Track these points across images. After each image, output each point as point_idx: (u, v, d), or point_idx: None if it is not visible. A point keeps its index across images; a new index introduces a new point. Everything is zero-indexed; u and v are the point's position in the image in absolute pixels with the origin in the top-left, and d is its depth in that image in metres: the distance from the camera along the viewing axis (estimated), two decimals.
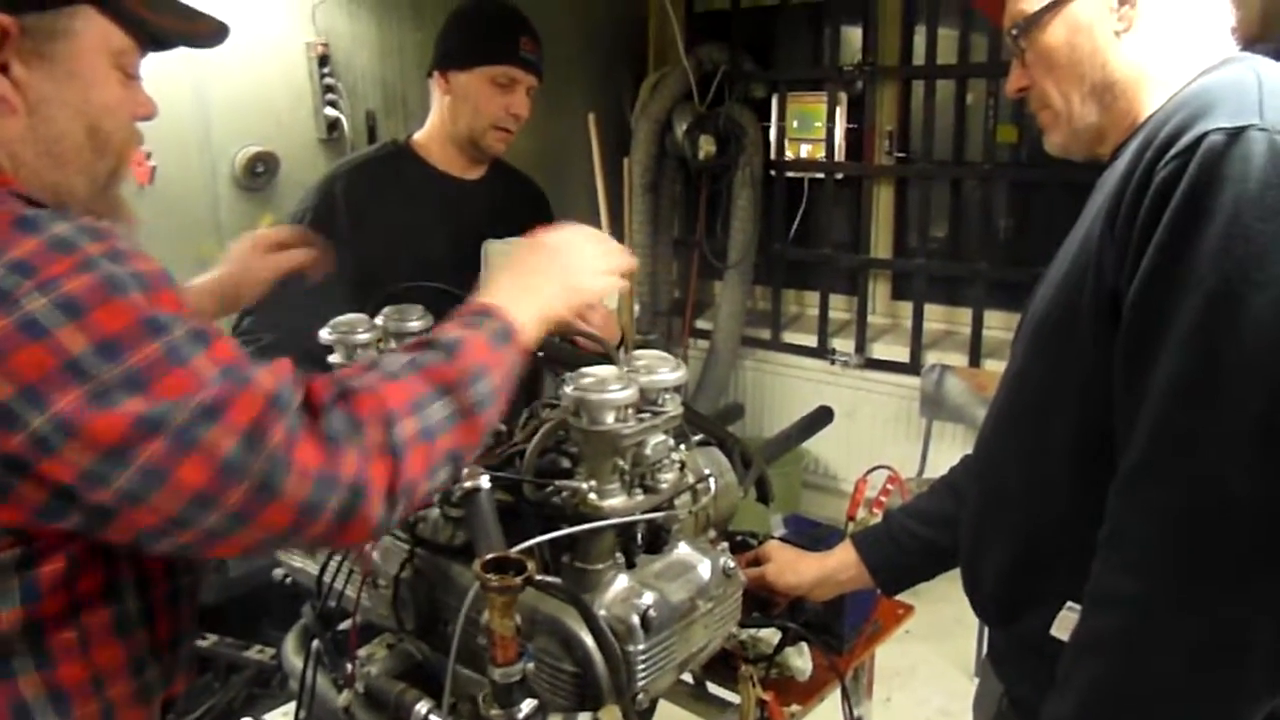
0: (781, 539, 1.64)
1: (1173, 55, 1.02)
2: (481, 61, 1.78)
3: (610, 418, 1.07)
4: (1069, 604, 1.00)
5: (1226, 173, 0.83)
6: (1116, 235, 0.91)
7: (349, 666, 1.17)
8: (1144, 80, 1.02)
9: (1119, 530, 0.89)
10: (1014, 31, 1.08)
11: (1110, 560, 0.90)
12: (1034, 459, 1.06)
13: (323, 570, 1.22)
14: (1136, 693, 0.88)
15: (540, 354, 1.60)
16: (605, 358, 1.47)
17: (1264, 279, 0.81)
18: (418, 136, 1.91)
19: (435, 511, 1.17)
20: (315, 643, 1.23)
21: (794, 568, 1.46)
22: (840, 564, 1.43)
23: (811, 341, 4.21)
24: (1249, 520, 0.82)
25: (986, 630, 2.96)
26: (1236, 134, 0.84)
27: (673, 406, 1.15)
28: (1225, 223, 0.82)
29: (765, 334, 4.36)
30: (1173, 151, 0.87)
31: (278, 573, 1.43)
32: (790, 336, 4.32)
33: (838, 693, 1.58)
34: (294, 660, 1.31)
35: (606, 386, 1.07)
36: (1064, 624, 1.00)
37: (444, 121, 1.86)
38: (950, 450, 3.83)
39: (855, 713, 1.74)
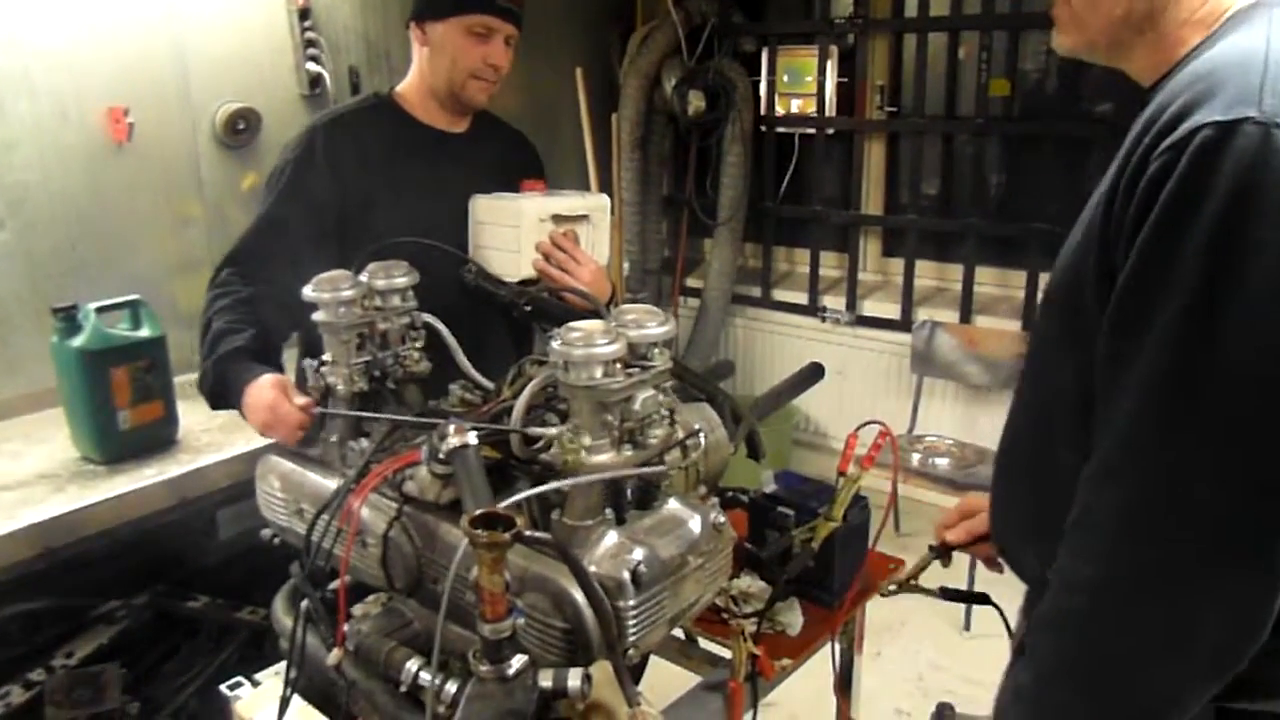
0: (772, 494, 1.64)
1: None
2: (456, 10, 1.74)
3: (598, 372, 1.06)
4: None
5: (1214, 174, 0.80)
6: (1114, 218, 0.89)
7: (339, 626, 1.16)
8: (1190, 11, 0.96)
9: (1086, 516, 0.91)
10: None
11: (1075, 544, 0.92)
12: (1042, 417, 1.06)
13: (310, 529, 1.21)
14: (1090, 672, 0.90)
15: (529, 309, 1.59)
16: (594, 313, 1.46)
17: (1245, 289, 0.80)
18: (400, 89, 1.87)
19: (423, 469, 1.15)
20: (304, 602, 1.22)
21: None
22: None
23: (802, 299, 4.20)
24: (1208, 522, 0.83)
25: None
26: (1230, 128, 0.80)
27: (661, 361, 1.13)
28: (1209, 228, 0.80)
29: (755, 291, 4.34)
30: (1166, 143, 0.84)
31: (265, 533, 1.42)
32: (781, 294, 4.30)
33: (828, 647, 1.59)
34: (284, 620, 1.30)
35: (594, 341, 1.06)
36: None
37: (423, 74, 1.82)
38: (941, 406, 3.84)
39: (845, 667, 1.75)
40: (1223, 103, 0.82)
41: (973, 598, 1.49)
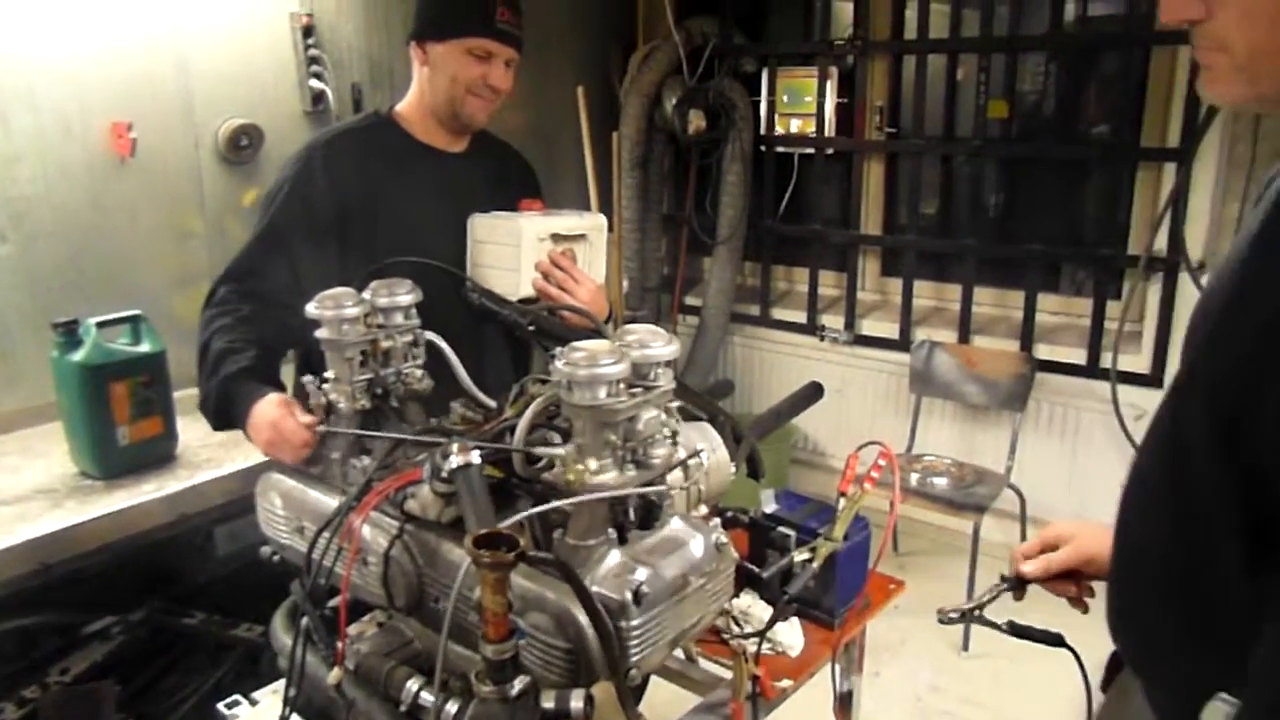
0: (773, 514, 1.64)
1: None
2: (455, 33, 1.75)
3: (602, 393, 1.06)
4: (1220, 695, 0.87)
5: None
6: None
7: (339, 644, 1.16)
8: None
9: (1274, 667, 0.77)
10: None
11: (1260, 699, 0.78)
12: (1193, 522, 0.90)
13: (311, 547, 1.20)
14: None
15: (531, 328, 1.59)
16: (595, 332, 1.47)
17: None
18: (400, 107, 1.88)
19: (425, 488, 1.15)
20: (304, 620, 1.22)
21: (1107, 536, 1.16)
22: None
23: (801, 318, 4.21)
24: None
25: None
26: None
27: (665, 381, 1.14)
28: None
29: (754, 310, 4.35)
30: None
31: (265, 550, 1.42)
32: (780, 313, 4.31)
33: (828, 667, 1.58)
34: (283, 638, 1.30)
35: (598, 361, 1.06)
36: (1212, 714, 0.89)
37: (423, 93, 1.83)
38: (939, 426, 3.85)
39: (845, 687, 1.75)
40: None
41: (1046, 638, 1.31)
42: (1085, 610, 1.16)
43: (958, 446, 3.76)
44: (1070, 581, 1.21)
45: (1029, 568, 1.23)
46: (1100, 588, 1.14)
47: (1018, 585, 1.26)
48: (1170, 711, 1.00)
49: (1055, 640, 1.30)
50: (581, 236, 1.82)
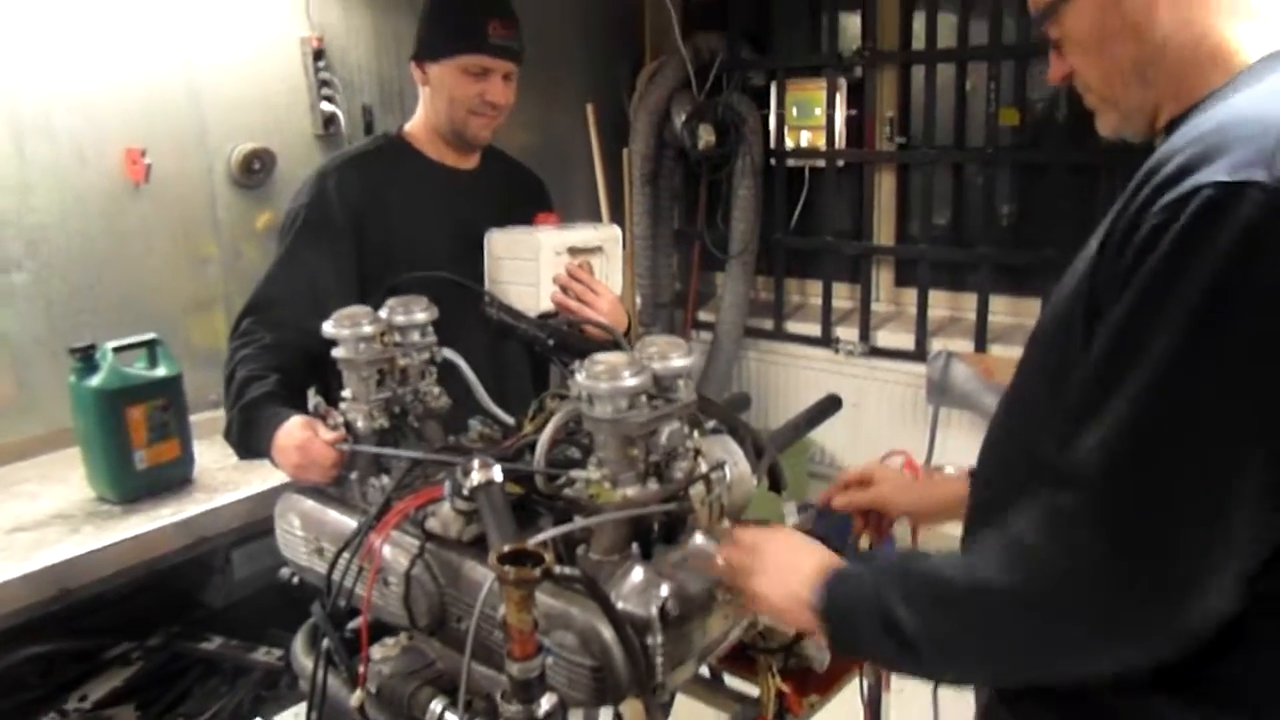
0: (798, 526, 1.61)
1: (1226, 24, 0.91)
2: (450, 52, 1.75)
3: (623, 405, 1.04)
4: None
5: (1209, 239, 0.76)
6: (1106, 264, 0.86)
7: (360, 666, 1.15)
8: (1194, 52, 0.92)
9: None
10: (1040, 19, 1.00)
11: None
12: (1022, 474, 0.99)
13: (331, 568, 1.19)
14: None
15: (550, 342, 1.58)
16: (615, 345, 1.45)
17: (1219, 371, 0.76)
18: (409, 127, 1.88)
19: (446, 506, 1.14)
20: (325, 642, 1.20)
21: (909, 490, 1.44)
22: (956, 495, 1.35)
23: (815, 331, 4.18)
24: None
25: None
26: (1233, 191, 0.76)
27: (686, 393, 1.12)
28: (1196, 300, 0.76)
29: (768, 324, 4.33)
30: (1165, 199, 0.80)
31: (284, 572, 1.41)
32: (794, 326, 4.29)
33: (855, 683, 1.56)
34: (304, 660, 1.28)
35: (618, 374, 1.05)
36: None
37: (428, 113, 1.84)
38: (958, 437, 3.81)
39: (874, 703, 1.72)
40: (1229, 163, 0.78)
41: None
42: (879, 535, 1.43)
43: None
44: (866, 517, 1.44)
45: (838, 501, 1.45)
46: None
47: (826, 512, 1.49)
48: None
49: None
50: (597, 249, 1.81)
